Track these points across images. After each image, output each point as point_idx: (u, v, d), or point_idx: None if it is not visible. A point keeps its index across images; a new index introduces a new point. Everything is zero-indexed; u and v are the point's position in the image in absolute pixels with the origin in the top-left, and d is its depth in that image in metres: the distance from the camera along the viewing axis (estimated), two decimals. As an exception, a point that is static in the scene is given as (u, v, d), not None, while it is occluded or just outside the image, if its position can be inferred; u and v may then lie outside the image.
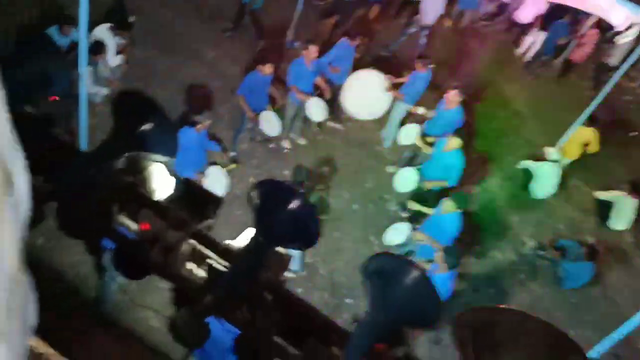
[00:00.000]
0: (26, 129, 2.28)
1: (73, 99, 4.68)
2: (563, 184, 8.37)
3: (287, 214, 2.28)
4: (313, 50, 6.74)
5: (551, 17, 11.51)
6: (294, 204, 2.26)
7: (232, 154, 6.86)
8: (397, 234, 5.86)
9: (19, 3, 7.32)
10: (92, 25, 6.45)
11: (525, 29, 12.10)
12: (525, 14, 11.91)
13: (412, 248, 5.98)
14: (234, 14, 9.36)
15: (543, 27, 11.83)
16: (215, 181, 5.71)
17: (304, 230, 2.38)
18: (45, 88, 2.45)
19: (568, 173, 8.65)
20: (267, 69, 6.38)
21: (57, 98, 2.30)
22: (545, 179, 8.05)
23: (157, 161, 2.39)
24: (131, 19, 8.08)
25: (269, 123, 6.72)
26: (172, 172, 2.59)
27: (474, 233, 7.24)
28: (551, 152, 8.00)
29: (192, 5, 9.36)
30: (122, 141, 2.17)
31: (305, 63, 6.80)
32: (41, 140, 2.35)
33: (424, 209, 6.08)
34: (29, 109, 2.34)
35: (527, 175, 8.22)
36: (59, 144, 2.38)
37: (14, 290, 0.40)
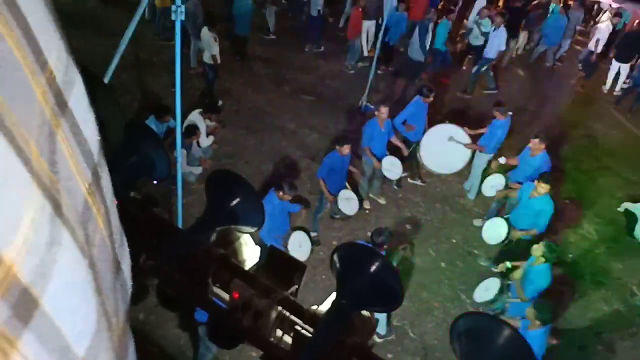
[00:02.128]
0: (132, 213, 2.60)
1: (170, 180, 5.20)
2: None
3: (368, 276, 2.36)
4: (384, 110, 6.95)
5: (631, 45, 11.06)
6: (374, 266, 2.35)
7: (313, 234, 6.77)
8: (487, 291, 5.64)
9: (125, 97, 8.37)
10: (185, 111, 7.21)
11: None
12: (592, 43, 11.54)
13: (504, 305, 5.72)
14: (311, 87, 10.00)
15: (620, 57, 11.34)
16: (298, 245, 5.89)
17: (386, 293, 2.43)
18: (149, 173, 2.79)
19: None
20: (346, 150, 6.38)
21: (156, 182, 2.61)
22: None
23: (244, 232, 2.61)
24: (220, 102, 8.84)
25: (348, 202, 6.74)
26: (259, 242, 2.79)
27: (572, 284, 6.79)
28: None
29: (274, 84, 10.07)
30: (214, 217, 2.41)
31: (378, 124, 7.02)
32: (144, 221, 2.63)
33: (515, 264, 5.82)
34: (134, 194, 2.67)
35: (631, 218, 7.65)
36: (160, 222, 2.66)
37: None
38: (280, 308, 2.55)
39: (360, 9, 10.18)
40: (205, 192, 2.64)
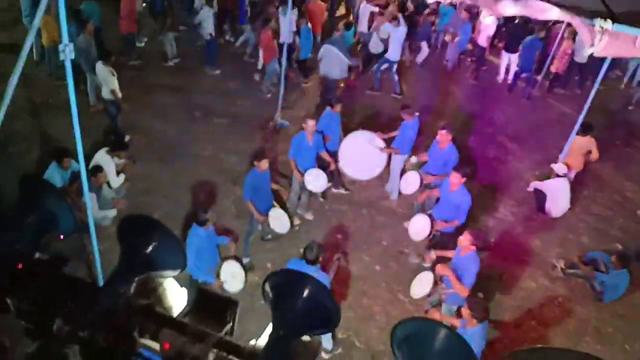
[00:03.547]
0: (39, 276, 2.36)
1: (82, 230, 4.83)
2: (575, 196, 8.33)
3: (301, 300, 2.29)
4: (311, 124, 6.97)
5: (516, 37, 11.95)
6: (306, 289, 2.29)
7: (245, 260, 6.63)
8: (422, 286, 5.77)
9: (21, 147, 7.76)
10: (90, 152, 6.80)
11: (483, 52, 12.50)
12: (481, 39, 12.38)
13: (439, 297, 5.89)
14: (222, 109, 9.83)
15: (509, 49, 12.23)
16: (231, 276, 5.71)
17: (323, 314, 2.38)
18: (54, 229, 2.56)
19: (578, 184, 8.64)
20: (264, 164, 6.27)
21: (62, 237, 2.39)
22: (558, 195, 8.01)
23: (167, 277, 2.45)
24: (127, 138, 8.43)
25: (279, 221, 6.63)
26: (185, 284, 2.63)
27: (499, 268, 7.13)
28: (558, 167, 8.00)
29: (183, 111, 9.78)
30: (131, 267, 2.25)
31: (306, 137, 7.01)
32: (54, 283, 2.42)
33: (445, 253, 6.01)
34: (40, 254, 2.44)
35: (540, 195, 8.18)
36: (71, 282, 2.45)
37: None
38: (216, 350, 2.41)
39: (270, 32, 10.17)
40: (118, 240, 2.46)
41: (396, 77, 11.17)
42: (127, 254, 2.33)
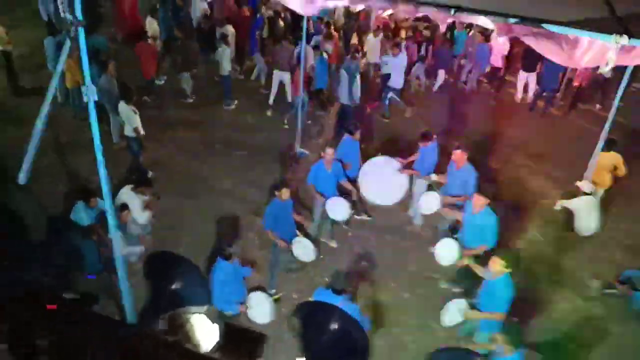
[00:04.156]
0: (69, 316, 2.35)
1: (110, 267, 4.85)
2: (605, 213, 8.11)
3: (330, 333, 2.24)
4: (330, 152, 6.97)
5: (533, 56, 11.93)
6: (333, 320, 2.24)
7: (271, 291, 6.57)
8: (454, 313, 5.61)
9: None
10: (115, 190, 6.89)
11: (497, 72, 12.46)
12: (495, 59, 12.37)
13: (472, 326, 5.70)
14: (241, 142, 9.95)
15: (526, 68, 12.20)
16: (260, 309, 5.64)
17: (352, 344, 2.32)
18: (80, 269, 2.58)
19: (607, 201, 8.42)
20: (285, 194, 6.28)
21: (93, 276, 2.40)
22: (587, 213, 7.80)
23: (195, 312, 2.43)
24: (150, 174, 8.54)
25: (303, 249, 6.56)
26: (214, 319, 2.61)
27: (532, 290, 6.92)
28: (584, 184, 7.82)
29: (203, 145, 9.91)
30: (157, 304, 2.23)
31: (325, 166, 7.01)
32: (83, 321, 2.42)
33: (476, 268, 5.84)
34: (68, 294, 2.44)
35: (568, 215, 7.98)
36: (101, 320, 2.44)
37: None
38: (248, 386, 2.37)
39: (307, 72, 10.37)
40: (144, 278, 2.47)
41: (402, 103, 11.24)
42: (153, 291, 2.33)
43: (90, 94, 4.52)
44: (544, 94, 11.90)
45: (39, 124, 4.62)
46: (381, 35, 12.40)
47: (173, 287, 2.29)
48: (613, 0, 4.41)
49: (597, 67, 10.99)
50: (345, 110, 10.20)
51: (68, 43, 4.37)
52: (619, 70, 11.07)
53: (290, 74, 10.85)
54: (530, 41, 3.77)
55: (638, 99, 12.67)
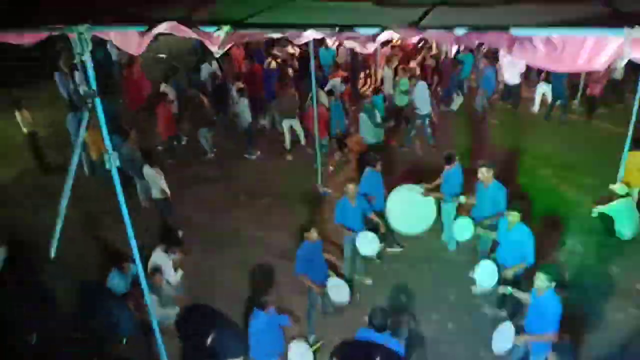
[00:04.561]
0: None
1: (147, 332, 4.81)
2: (646, 214, 7.82)
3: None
4: (351, 187, 6.95)
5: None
6: (376, 358, 2.14)
7: (311, 337, 6.47)
8: (503, 339, 5.36)
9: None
10: (148, 252, 6.96)
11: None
12: (509, 76, 12.34)
13: (526, 348, 5.44)
14: (265, 189, 10.03)
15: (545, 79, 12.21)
16: (300, 357, 5.49)
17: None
18: (114, 333, 2.55)
19: (644, 201, 8.15)
20: (314, 234, 6.24)
21: (126, 341, 2.37)
22: (625, 216, 7.54)
23: (233, 366, 2.37)
24: (180, 233, 8.62)
25: (338, 290, 6.44)
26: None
27: (581, 304, 6.62)
28: (617, 187, 7.59)
29: (228, 198, 10.00)
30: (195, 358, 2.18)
31: (349, 201, 6.99)
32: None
33: (517, 293, 5.62)
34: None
35: (607, 220, 7.70)
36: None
37: None
38: None
39: (325, 110, 10.55)
40: (178, 334, 2.43)
41: (429, 130, 11.19)
42: (189, 347, 2.29)
43: (113, 162, 4.66)
44: (557, 102, 11.79)
45: (64, 199, 4.73)
46: (393, 66, 12.54)
47: (207, 341, 2.24)
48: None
49: (608, 72, 11.10)
50: (367, 148, 10.25)
51: (86, 115, 4.51)
52: (632, 69, 11.06)
53: (300, 120, 11.11)
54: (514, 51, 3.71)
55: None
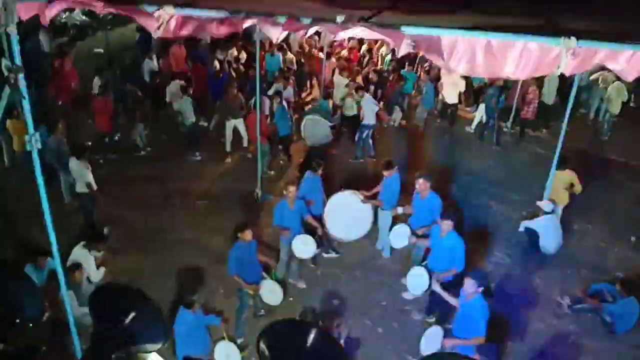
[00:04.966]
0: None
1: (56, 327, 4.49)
2: (567, 231, 8.25)
3: (305, 355, 2.04)
4: (292, 190, 6.90)
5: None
6: (309, 341, 2.05)
7: (240, 340, 6.31)
8: (431, 342, 5.44)
9: None
10: (68, 250, 6.54)
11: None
12: (447, 94, 12.78)
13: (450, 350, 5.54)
14: (202, 192, 9.76)
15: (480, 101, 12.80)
16: (227, 357, 5.32)
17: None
18: (19, 317, 2.31)
19: (567, 219, 8.59)
20: (248, 235, 6.17)
21: (31, 325, 2.15)
22: (550, 232, 7.91)
23: (149, 351, 2.20)
24: (106, 230, 8.17)
25: (271, 292, 6.35)
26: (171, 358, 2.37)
27: (503, 312, 6.85)
28: (544, 204, 7.95)
29: (161, 198, 9.63)
30: (107, 341, 2.00)
31: (287, 204, 6.89)
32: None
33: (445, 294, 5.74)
34: (2, 346, 2.19)
35: (532, 234, 8.06)
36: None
37: None
38: None
39: (262, 113, 10.37)
40: (91, 316, 2.23)
41: (371, 141, 11.36)
42: (103, 327, 2.10)
43: (35, 144, 4.34)
44: (489, 123, 12.32)
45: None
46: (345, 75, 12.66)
47: (125, 321, 2.07)
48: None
49: (538, 98, 11.74)
50: (314, 151, 10.23)
51: (7, 91, 4.18)
52: (561, 95, 11.72)
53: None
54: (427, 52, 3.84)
55: (580, 122, 13.33)
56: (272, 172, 10.60)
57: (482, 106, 12.78)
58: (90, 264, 6.60)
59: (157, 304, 2.24)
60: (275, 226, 7.02)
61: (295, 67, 13.99)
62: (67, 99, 11.90)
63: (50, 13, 3.89)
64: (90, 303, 2.13)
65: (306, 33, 4.11)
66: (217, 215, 9.13)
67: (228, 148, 11.19)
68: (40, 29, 13.87)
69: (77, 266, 6.32)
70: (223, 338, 5.56)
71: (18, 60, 4.08)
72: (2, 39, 4.00)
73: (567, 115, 7.61)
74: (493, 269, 7.88)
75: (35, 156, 4.33)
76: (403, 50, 3.65)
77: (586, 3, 4.60)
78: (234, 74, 13.04)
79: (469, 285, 5.17)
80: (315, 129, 10.35)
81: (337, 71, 13.01)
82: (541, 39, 3.49)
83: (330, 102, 12.81)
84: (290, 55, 14.02)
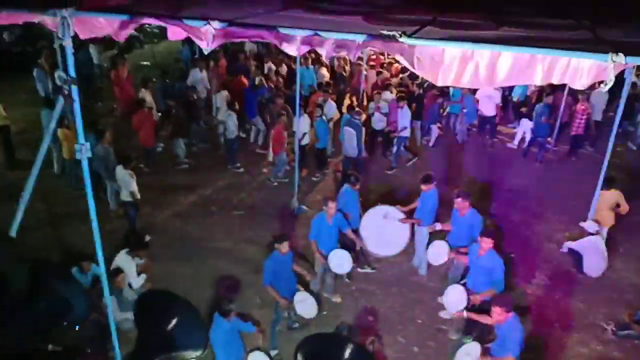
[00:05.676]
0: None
1: (99, 330, 4.61)
2: (612, 253, 7.94)
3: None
4: (332, 206, 6.90)
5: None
6: (345, 355, 2.05)
7: (273, 352, 6.29)
8: (468, 356, 5.31)
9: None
10: (111, 255, 6.74)
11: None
12: (484, 108, 12.56)
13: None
14: (239, 203, 9.90)
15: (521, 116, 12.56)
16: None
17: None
18: (66, 316, 2.39)
19: (613, 240, 8.27)
20: (285, 247, 6.14)
21: (78, 327, 2.23)
22: (594, 253, 7.64)
23: (189, 358, 2.25)
24: (147, 238, 8.39)
25: (305, 305, 6.32)
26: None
27: (545, 336, 6.63)
28: (588, 225, 7.70)
29: (200, 208, 9.83)
30: (149, 347, 2.05)
31: (326, 219, 6.92)
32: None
33: (482, 318, 5.61)
34: (52, 346, 2.27)
35: (576, 255, 7.80)
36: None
37: None
38: None
39: (281, 126, 10.52)
40: (134, 320, 2.30)
41: (406, 152, 11.53)
42: (145, 333, 2.16)
43: (84, 153, 4.50)
44: (537, 140, 12.05)
45: (27, 191, 4.50)
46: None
47: (167, 328, 2.12)
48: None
49: (588, 113, 11.42)
50: (349, 163, 10.26)
51: (61, 101, 4.37)
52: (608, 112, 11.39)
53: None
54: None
55: (629, 139, 12.87)
56: (287, 180, 10.62)
57: (524, 121, 12.53)
58: (132, 271, 6.78)
59: (199, 312, 2.29)
60: (312, 242, 7.01)
61: (328, 79, 14.01)
62: (127, 107, 12.25)
63: (128, 30, 4.12)
64: (135, 308, 2.19)
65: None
66: (253, 225, 9.23)
67: (270, 158, 11.31)
68: (90, 43, 14.52)
69: (120, 271, 6.49)
70: (258, 348, 5.59)
71: (72, 72, 4.27)
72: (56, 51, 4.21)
73: (613, 133, 7.40)
74: (533, 291, 7.65)
75: (85, 165, 4.48)
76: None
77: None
78: (272, 87, 13.24)
79: (496, 313, 5.08)
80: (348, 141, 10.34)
81: (379, 84, 13.02)
82: (589, 54, 3.42)
83: (364, 116, 12.80)
84: (323, 70, 14.15)
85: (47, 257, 8.14)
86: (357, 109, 10.79)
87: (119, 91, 12.66)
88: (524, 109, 13.07)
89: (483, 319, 5.57)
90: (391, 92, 12.37)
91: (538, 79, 3.73)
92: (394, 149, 11.49)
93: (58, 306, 2.25)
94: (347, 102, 12.96)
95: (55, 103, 4.52)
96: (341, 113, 12.72)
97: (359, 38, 4.16)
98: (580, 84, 3.60)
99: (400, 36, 3.96)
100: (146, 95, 11.82)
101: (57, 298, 2.20)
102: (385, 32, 3.96)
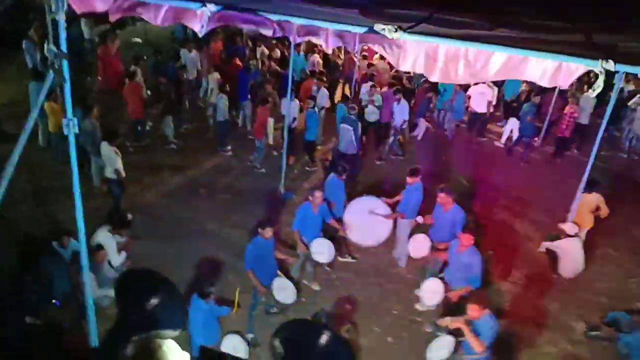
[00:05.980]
0: (34, 342, 2.21)
1: (79, 306, 4.61)
2: (589, 255, 8.11)
3: (316, 356, 2.09)
4: (318, 195, 6.95)
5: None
6: (321, 342, 2.10)
7: (249, 335, 6.32)
8: (441, 349, 5.43)
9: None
10: (93, 231, 6.72)
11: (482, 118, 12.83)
12: (476, 104, 12.61)
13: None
14: (226, 186, 9.90)
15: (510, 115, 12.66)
16: (233, 349, 5.39)
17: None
18: (48, 293, 2.42)
19: (590, 243, 8.44)
20: (268, 232, 6.18)
21: (58, 303, 2.25)
22: (571, 255, 7.80)
23: (167, 337, 2.29)
24: (129, 216, 8.36)
25: (284, 291, 6.37)
26: (185, 345, 2.46)
27: (516, 333, 6.79)
28: (568, 227, 7.84)
29: (187, 189, 9.83)
30: (129, 324, 2.09)
31: (312, 208, 6.97)
32: (51, 351, 2.27)
33: (455, 321, 5.71)
34: (32, 320, 2.30)
35: (551, 256, 7.97)
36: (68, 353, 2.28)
37: None
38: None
39: (267, 111, 10.50)
40: (115, 297, 2.33)
41: (397, 143, 11.66)
42: (126, 311, 2.19)
43: (71, 128, 4.48)
44: (522, 139, 12.19)
45: (10, 165, 4.46)
46: (369, 84, 12.62)
47: (148, 306, 2.15)
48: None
49: (575, 116, 11.54)
50: (342, 157, 10.23)
51: (51, 76, 4.33)
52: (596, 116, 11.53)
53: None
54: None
55: (614, 144, 13.08)
56: (263, 170, 10.66)
57: (512, 120, 12.65)
58: (112, 248, 6.77)
59: (180, 292, 2.33)
60: (295, 231, 7.07)
61: (320, 68, 13.98)
62: (116, 84, 12.12)
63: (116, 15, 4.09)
64: (116, 286, 2.23)
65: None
66: (239, 209, 9.26)
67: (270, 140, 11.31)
68: (82, 17, 14.27)
69: (100, 248, 6.49)
70: (235, 331, 5.66)
71: (64, 47, 4.24)
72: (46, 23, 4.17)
73: (599, 137, 7.49)
74: (509, 288, 7.81)
75: (71, 140, 4.46)
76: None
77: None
78: (266, 71, 13.20)
79: (472, 310, 5.19)
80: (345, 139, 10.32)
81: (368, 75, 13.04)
82: (579, 59, 3.50)
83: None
84: (315, 56, 14.10)
85: (32, 231, 8.12)
86: (351, 104, 10.77)
87: (103, 66, 12.50)
88: (514, 104, 13.17)
89: (459, 322, 5.64)
90: (374, 84, 12.37)
91: (529, 77, 3.79)
92: (390, 139, 11.57)
93: (41, 281, 2.27)
94: (339, 91, 13.00)
95: (44, 75, 4.49)
96: (334, 102, 12.78)
97: (359, 30, 4.15)
98: (564, 83, 3.68)
99: (396, 31, 4.00)
100: (137, 71, 11.71)
101: (40, 273, 2.23)
102: (380, 26, 3.99)
